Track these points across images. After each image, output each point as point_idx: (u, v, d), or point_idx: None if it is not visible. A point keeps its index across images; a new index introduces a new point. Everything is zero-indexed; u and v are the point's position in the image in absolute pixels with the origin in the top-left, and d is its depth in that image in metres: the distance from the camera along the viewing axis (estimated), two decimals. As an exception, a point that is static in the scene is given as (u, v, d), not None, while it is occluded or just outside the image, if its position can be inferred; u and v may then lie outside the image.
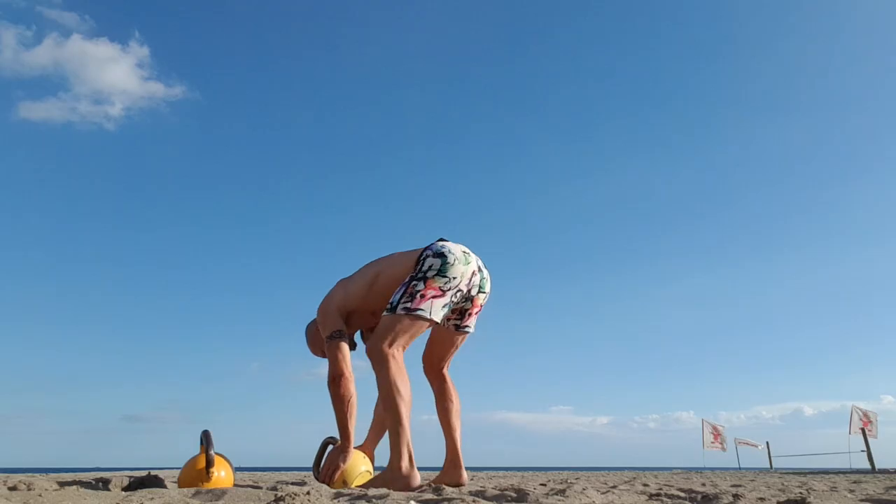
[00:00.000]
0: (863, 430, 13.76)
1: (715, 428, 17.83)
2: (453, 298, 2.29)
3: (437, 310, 2.24)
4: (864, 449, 13.61)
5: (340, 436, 2.33)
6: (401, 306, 2.22)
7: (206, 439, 2.32)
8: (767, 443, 18.21)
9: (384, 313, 2.27)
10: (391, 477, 2.12)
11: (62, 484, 2.18)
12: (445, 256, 2.28)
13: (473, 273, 2.34)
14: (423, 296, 2.22)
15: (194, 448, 2.38)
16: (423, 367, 2.58)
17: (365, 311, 2.47)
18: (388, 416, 2.17)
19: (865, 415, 14.02)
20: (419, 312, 2.20)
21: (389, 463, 2.18)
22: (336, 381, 2.30)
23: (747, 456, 18.82)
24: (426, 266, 2.27)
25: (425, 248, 2.34)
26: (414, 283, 2.26)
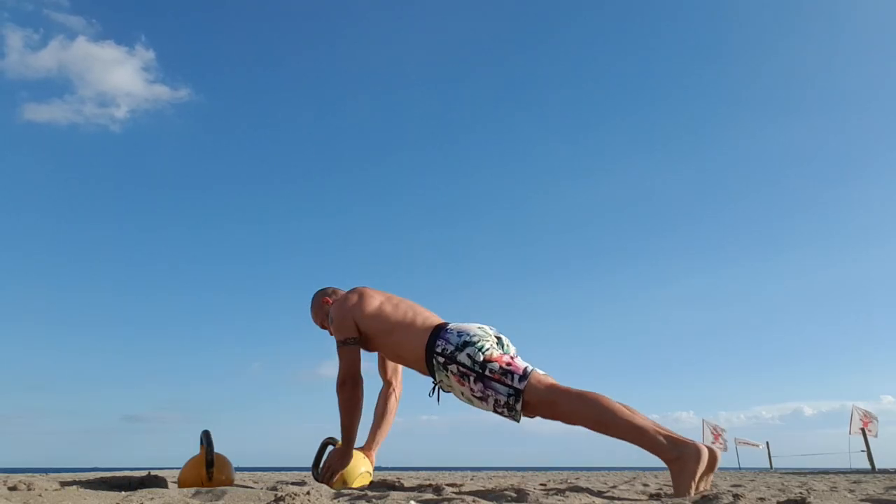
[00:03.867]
0: (863, 430, 13.73)
1: (715, 429, 17.81)
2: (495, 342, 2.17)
3: (519, 361, 2.09)
4: (864, 449, 13.59)
5: (343, 438, 2.32)
6: (516, 386, 2.00)
7: (206, 439, 2.32)
8: (767, 443, 18.20)
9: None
10: None
11: (63, 484, 2.18)
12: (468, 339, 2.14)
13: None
14: (503, 369, 2.04)
15: (194, 448, 2.39)
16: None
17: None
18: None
19: (865, 415, 13.99)
20: (527, 374, 2.02)
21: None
22: (347, 385, 2.27)
23: (747, 456, 18.83)
24: (464, 360, 2.07)
25: (437, 340, 2.16)
26: (483, 380, 2.03)
